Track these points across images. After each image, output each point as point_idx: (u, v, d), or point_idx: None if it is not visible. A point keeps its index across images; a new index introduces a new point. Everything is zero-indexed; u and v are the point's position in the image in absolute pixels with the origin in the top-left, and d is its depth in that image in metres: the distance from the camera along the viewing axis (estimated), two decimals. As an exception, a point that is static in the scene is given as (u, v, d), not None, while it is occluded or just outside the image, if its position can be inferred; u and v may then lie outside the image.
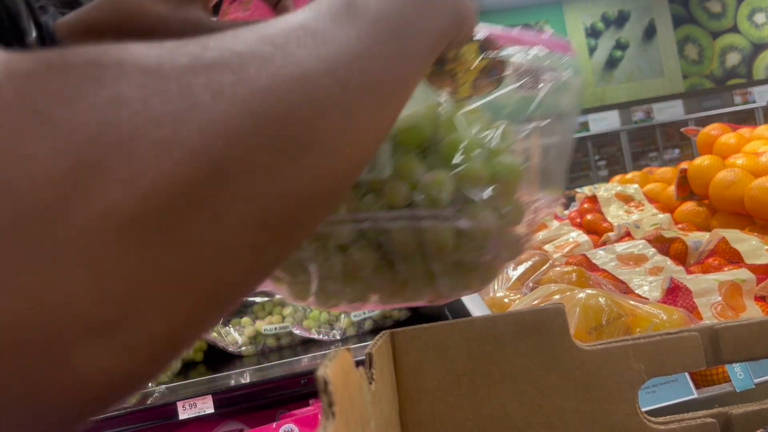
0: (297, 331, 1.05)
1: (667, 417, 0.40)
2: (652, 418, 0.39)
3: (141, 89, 0.17)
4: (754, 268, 0.89)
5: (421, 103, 0.40)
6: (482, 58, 0.40)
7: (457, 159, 0.37)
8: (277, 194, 0.20)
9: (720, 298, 0.81)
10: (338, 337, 1.04)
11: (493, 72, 0.40)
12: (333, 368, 0.27)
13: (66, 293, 0.15)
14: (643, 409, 0.39)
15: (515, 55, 0.40)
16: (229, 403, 0.79)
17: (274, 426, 0.67)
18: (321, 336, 1.05)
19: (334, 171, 0.22)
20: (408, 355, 0.39)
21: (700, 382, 0.72)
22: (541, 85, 0.40)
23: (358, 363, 0.33)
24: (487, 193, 0.37)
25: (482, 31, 0.40)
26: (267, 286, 0.41)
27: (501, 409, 0.39)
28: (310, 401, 0.82)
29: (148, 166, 0.17)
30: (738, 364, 0.70)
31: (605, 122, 6.30)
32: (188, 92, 0.18)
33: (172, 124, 0.17)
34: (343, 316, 1.06)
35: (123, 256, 0.16)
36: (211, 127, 0.18)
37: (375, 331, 1.05)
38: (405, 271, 0.38)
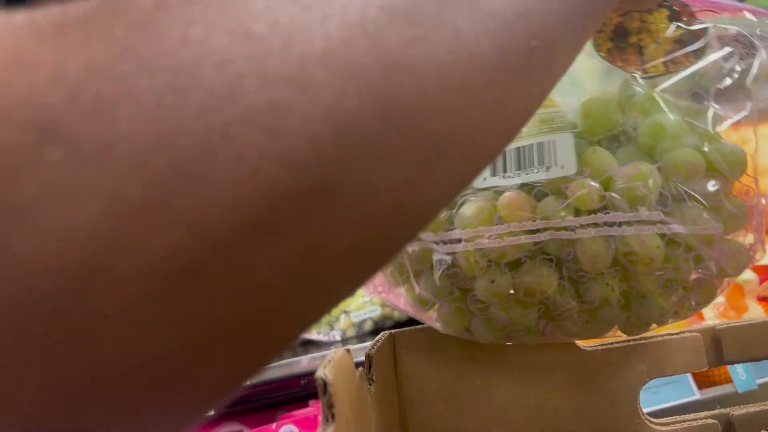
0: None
1: (669, 418, 0.40)
2: (654, 419, 0.39)
3: (231, 34, 0.12)
4: (756, 269, 0.89)
5: (604, 83, 0.33)
6: (676, 27, 0.32)
7: (661, 147, 0.29)
8: (395, 210, 0.14)
9: (722, 299, 0.80)
10: (338, 338, 1.04)
11: (690, 42, 0.31)
12: (332, 369, 0.27)
13: (97, 372, 0.11)
14: (645, 410, 0.39)
15: (717, 22, 0.32)
16: (229, 404, 0.79)
17: (273, 427, 0.66)
18: (321, 337, 1.05)
19: (470, 172, 0.16)
20: (408, 356, 0.39)
21: (702, 383, 0.72)
22: (756, 54, 0.31)
23: (358, 364, 0.33)
24: (707, 188, 0.29)
25: None
26: (414, 312, 0.36)
27: (502, 411, 0.39)
28: (310, 402, 0.82)
29: (229, 187, 0.11)
30: (740, 365, 0.70)
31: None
32: (296, 53, 0.12)
33: (271, 112, 0.12)
34: (343, 316, 1.06)
35: (177, 317, 0.12)
36: (322, 113, 0.12)
37: (375, 331, 1.05)
38: (594, 294, 0.30)
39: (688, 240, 0.28)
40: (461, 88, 0.14)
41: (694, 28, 0.31)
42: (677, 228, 0.28)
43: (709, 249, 0.29)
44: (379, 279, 0.36)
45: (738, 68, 0.30)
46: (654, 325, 0.32)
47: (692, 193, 0.29)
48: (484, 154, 0.16)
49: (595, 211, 0.29)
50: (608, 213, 0.29)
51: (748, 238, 0.30)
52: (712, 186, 0.29)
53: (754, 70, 0.30)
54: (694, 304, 0.32)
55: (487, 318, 0.33)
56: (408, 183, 0.14)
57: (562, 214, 0.29)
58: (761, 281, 0.85)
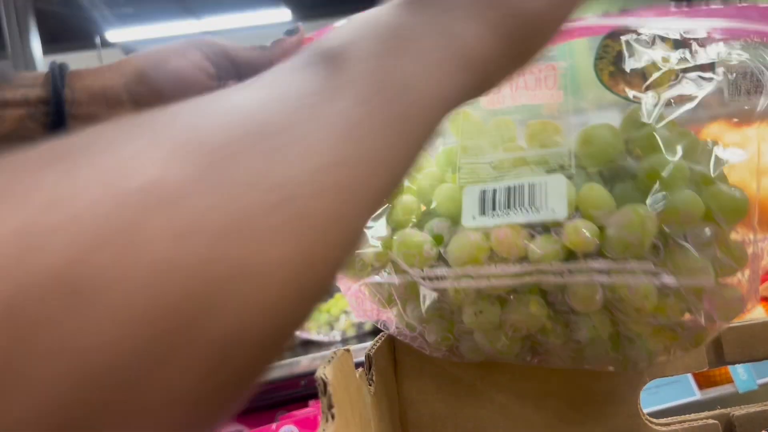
0: (296, 332, 1.04)
1: (670, 418, 0.39)
2: (654, 420, 0.39)
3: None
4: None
5: (601, 107, 0.33)
6: (681, 59, 0.30)
7: (657, 190, 0.28)
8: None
9: (722, 299, 0.80)
10: (338, 338, 1.04)
11: (696, 74, 0.30)
12: (332, 370, 0.27)
13: None
14: (645, 411, 0.39)
15: (727, 52, 0.30)
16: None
17: (273, 427, 0.66)
18: (321, 337, 1.04)
19: (273, 357, 0.14)
20: (408, 357, 0.39)
21: (702, 383, 0.72)
22: (765, 91, 0.29)
23: (358, 364, 0.33)
24: (701, 236, 0.28)
25: (680, 19, 0.30)
26: (404, 336, 0.36)
27: (502, 411, 0.39)
28: (310, 402, 0.82)
29: None
30: (741, 365, 0.70)
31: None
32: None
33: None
34: (343, 317, 1.06)
35: None
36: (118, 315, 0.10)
37: (375, 332, 1.05)
38: (582, 335, 0.30)
39: (678, 291, 0.28)
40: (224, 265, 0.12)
41: (700, 61, 0.30)
42: (667, 279, 0.27)
43: (698, 301, 0.28)
44: (368, 304, 0.36)
45: (745, 106, 0.29)
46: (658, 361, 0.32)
47: (685, 242, 0.28)
48: (287, 334, 0.14)
49: (585, 256, 0.29)
50: (598, 259, 0.28)
51: (744, 281, 0.29)
52: (706, 235, 0.28)
53: (759, 108, 0.29)
54: (684, 347, 0.31)
55: (473, 345, 0.34)
56: (187, 408, 0.12)
57: (551, 258, 0.29)
58: (761, 281, 0.85)
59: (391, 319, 0.36)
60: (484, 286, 0.30)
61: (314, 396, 0.82)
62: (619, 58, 0.31)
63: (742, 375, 0.69)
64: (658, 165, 0.28)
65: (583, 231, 0.28)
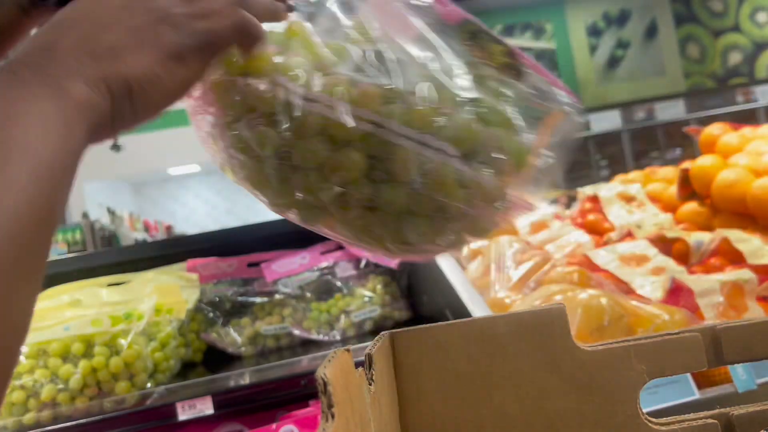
0: (297, 332, 1.04)
1: (669, 418, 0.40)
2: (654, 419, 0.39)
3: None
4: (756, 269, 0.89)
5: None
6: (507, 59, 0.42)
7: (498, 107, 0.39)
8: None
9: (722, 299, 0.80)
10: (338, 338, 1.04)
11: (512, 72, 0.42)
12: (332, 369, 0.27)
13: None
14: (645, 410, 0.39)
15: (533, 75, 0.42)
16: (229, 404, 0.79)
17: (273, 427, 0.67)
18: (321, 337, 1.04)
19: None
20: (408, 356, 0.39)
21: (702, 382, 0.72)
22: (550, 104, 0.42)
23: (358, 364, 0.33)
24: (498, 154, 0.38)
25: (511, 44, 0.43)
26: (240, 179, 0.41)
27: (501, 411, 0.39)
28: (310, 402, 0.82)
29: None
30: (740, 365, 0.70)
31: (606, 122, 6.30)
32: None
33: None
34: (343, 317, 1.06)
35: None
36: None
37: (375, 332, 1.05)
38: (385, 196, 0.37)
39: (469, 181, 0.38)
40: None
41: (518, 65, 0.42)
42: (466, 170, 0.38)
43: (477, 199, 0.39)
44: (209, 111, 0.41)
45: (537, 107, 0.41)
46: (421, 249, 0.42)
47: (492, 154, 0.40)
48: None
49: (422, 131, 0.37)
50: (430, 137, 0.37)
51: (497, 215, 0.41)
52: (501, 157, 0.39)
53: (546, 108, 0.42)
54: (447, 241, 0.41)
55: (286, 184, 0.39)
56: None
57: (399, 122, 0.37)
58: (761, 281, 0.85)
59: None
60: (334, 121, 0.36)
61: (314, 396, 0.82)
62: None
63: (742, 375, 0.69)
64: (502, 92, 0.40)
65: (430, 112, 0.37)
